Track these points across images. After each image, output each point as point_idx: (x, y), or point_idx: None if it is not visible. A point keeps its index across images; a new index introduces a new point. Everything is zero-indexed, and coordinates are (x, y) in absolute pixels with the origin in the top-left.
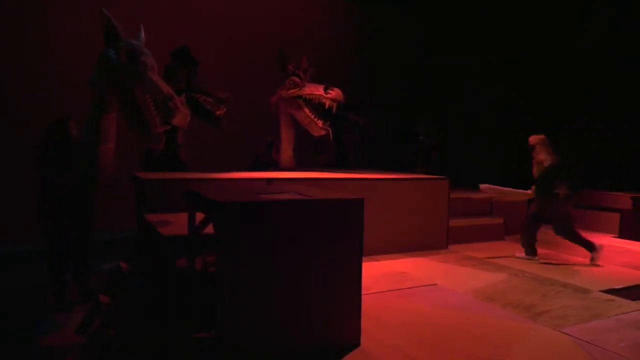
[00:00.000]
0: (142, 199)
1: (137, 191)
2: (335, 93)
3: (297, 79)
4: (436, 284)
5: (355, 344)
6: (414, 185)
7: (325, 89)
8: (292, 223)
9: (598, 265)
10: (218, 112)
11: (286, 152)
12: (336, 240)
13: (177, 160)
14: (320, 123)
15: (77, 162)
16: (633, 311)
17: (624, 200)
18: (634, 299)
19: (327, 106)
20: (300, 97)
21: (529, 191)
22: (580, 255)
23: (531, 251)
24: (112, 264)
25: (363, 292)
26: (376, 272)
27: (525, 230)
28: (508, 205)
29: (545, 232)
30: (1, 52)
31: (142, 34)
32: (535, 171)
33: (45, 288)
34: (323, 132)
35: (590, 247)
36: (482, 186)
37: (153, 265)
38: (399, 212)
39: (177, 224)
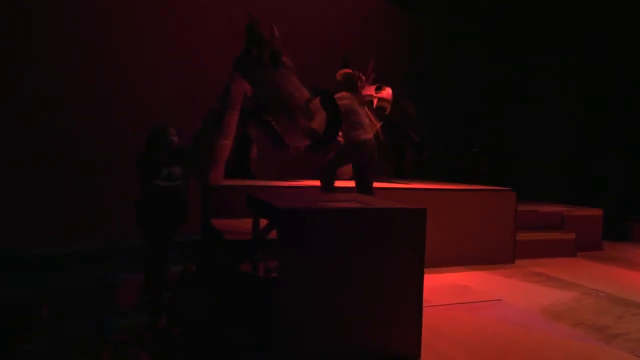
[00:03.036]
0: (208, 205)
1: (204, 197)
2: (384, 92)
3: (360, 83)
4: (501, 299)
5: (415, 355)
6: (478, 196)
7: (377, 89)
8: (353, 231)
9: None
10: None
11: None
12: (397, 250)
13: (247, 173)
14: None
15: (175, 166)
16: None
17: None
18: None
19: (374, 105)
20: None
21: None
22: None
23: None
24: (178, 265)
25: (424, 304)
26: (438, 284)
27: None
28: (581, 219)
29: (614, 248)
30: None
31: (276, 33)
32: None
33: (109, 286)
34: (369, 136)
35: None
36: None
37: (217, 268)
38: (462, 224)
39: (241, 229)
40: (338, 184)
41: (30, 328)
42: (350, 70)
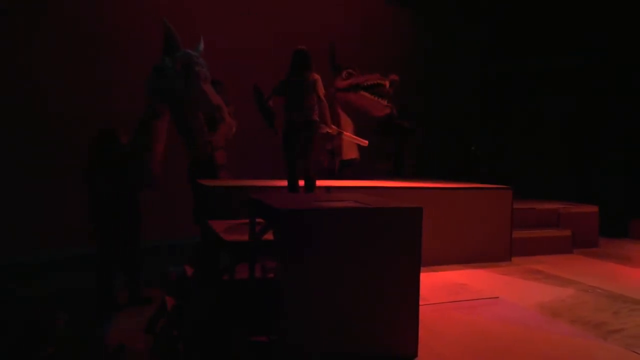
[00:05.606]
0: (205, 206)
1: (201, 198)
2: (393, 75)
3: (352, 71)
4: (498, 297)
5: (412, 354)
6: (475, 194)
7: (382, 74)
8: (350, 231)
9: None
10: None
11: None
12: (394, 248)
13: (210, 164)
14: (384, 102)
15: (126, 166)
16: None
17: None
18: None
19: (387, 86)
20: (358, 85)
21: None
22: None
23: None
24: (177, 267)
25: (420, 302)
26: (434, 282)
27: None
28: (577, 216)
29: (611, 245)
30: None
31: (201, 45)
32: None
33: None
34: (388, 111)
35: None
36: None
37: (215, 270)
38: (458, 222)
39: (238, 230)
40: (341, 183)
41: (47, 336)
42: (303, 47)
